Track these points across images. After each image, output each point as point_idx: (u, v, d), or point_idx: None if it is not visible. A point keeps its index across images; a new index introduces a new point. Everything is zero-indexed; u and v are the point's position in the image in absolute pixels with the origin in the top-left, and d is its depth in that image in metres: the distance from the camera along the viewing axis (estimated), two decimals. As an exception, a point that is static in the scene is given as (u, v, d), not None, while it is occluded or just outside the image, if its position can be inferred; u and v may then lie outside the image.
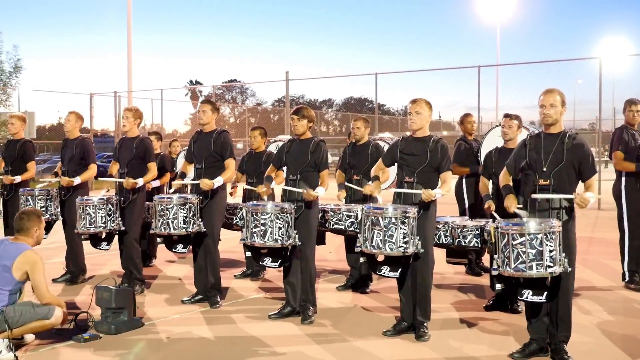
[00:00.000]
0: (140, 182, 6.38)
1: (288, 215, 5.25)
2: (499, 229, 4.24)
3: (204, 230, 5.87)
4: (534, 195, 4.32)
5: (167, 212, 5.78)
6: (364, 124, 6.62)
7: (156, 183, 7.53)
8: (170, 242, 6.00)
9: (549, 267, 4.10)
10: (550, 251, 4.10)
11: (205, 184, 5.72)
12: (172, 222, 5.77)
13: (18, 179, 7.17)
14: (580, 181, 4.41)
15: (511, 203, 4.48)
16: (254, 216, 5.23)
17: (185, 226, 5.79)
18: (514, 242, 4.13)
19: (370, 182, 5.30)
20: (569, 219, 4.35)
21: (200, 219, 5.86)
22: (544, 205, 4.34)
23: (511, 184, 4.66)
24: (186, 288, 6.67)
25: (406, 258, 4.79)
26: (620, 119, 7.06)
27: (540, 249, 4.09)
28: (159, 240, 6.14)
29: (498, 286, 4.37)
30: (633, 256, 6.50)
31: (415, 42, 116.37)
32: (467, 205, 7.16)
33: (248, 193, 7.19)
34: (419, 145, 4.97)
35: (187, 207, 5.79)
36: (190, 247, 6.09)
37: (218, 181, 5.79)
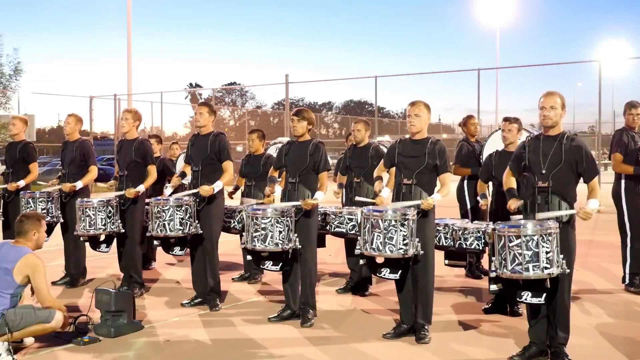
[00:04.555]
0: (141, 189, 6.37)
1: (288, 218, 5.24)
2: (496, 231, 4.25)
3: (201, 232, 5.86)
4: (538, 216, 4.28)
5: (164, 214, 5.78)
6: (365, 127, 6.62)
7: (168, 190, 7.49)
8: (168, 244, 6.00)
9: (546, 268, 4.09)
10: (547, 252, 4.10)
11: (205, 190, 5.71)
12: (169, 224, 5.77)
13: (22, 183, 7.16)
14: (583, 182, 4.41)
15: (512, 203, 4.48)
16: (254, 220, 5.23)
17: (181, 228, 5.78)
18: (510, 244, 4.14)
19: (379, 191, 5.32)
20: (569, 221, 4.34)
21: (197, 221, 5.86)
22: (544, 208, 4.34)
23: (515, 186, 4.65)
24: (185, 291, 6.66)
25: (406, 260, 4.78)
26: (620, 122, 7.07)
27: (537, 250, 4.08)
28: (155, 242, 6.13)
29: (493, 287, 4.37)
30: (635, 259, 6.48)
31: (415, 45, 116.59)
32: (469, 207, 7.14)
33: (247, 195, 7.18)
34: (417, 147, 4.97)
35: (183, 208, 5.79)
36: (188, 249, 6.08)
37: (217, 186, 5.78)
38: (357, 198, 6.16)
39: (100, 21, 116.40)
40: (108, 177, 7.20)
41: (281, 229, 5.20)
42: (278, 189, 5.82)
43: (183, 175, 6.23)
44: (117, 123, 21.84)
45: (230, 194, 7.40)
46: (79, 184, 6.78)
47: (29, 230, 4.78)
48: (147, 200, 6.44)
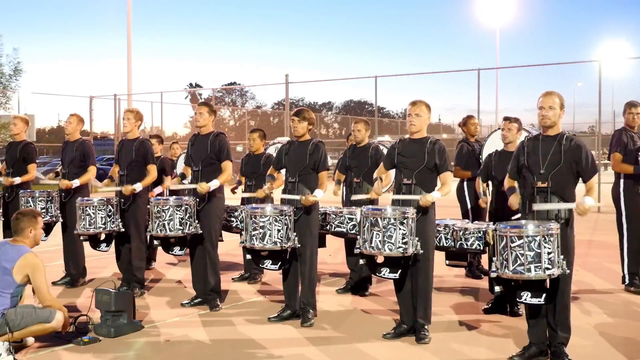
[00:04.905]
0: (138, 187, 6.37)
1: (287, 217, 5.25)
2: (498, 232, 4.25)
3: (201, 232, 5.87)
4: (535, 207, 4.29)
5: (163, 213, 5.78)
6: (365, 127, 6.63)
7: (158, 189, 7.52)
8: (168, 244, 6.00)
9: (548, 269, 4.10)
10: (549, 253, 4.10)
11: (202, 187, 5.72)
12: (168, 224, 5.77)
13: (18, 180, 7.17)
14: (581, 182, 4.42)
15: (514, 200, 4.48)
16: (253, 219, 5.23)
17: (181, 228, 5.79)
18: (512, 245, 4.14)
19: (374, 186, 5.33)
20: (568, 221, 4.34)
21: (197, 221, 5.86)
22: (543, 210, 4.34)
23: (516, 185, 4.65)
24: (186, 291, 6.66)
25: (405, 259, 4.78)
26: (620, 122, 7.05)
27: (539, 251, 4.09)
28: (156, 242, 6.14)
29: (497, 289, 4.37)
30: (633, 259, 6.49)
31: (414, 45, 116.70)
32: (469, 207, 7.13)
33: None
34: (416, 146, 4.97)
35: (183, 208, 5.79)
36: (188, 249, 6.08)
37: (214, 184, 5.79)
38: (353, 197, 6.18)
39: (100, 21, 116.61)
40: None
41: (280, 228, 5.21)
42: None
43: (183, 176, 6.24)
44: (117, 123, 21.85)
45: (233, 189, 7.44)
46: (76, 182, 6.79)
47: (25, 228, 4.78)
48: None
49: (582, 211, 4.23)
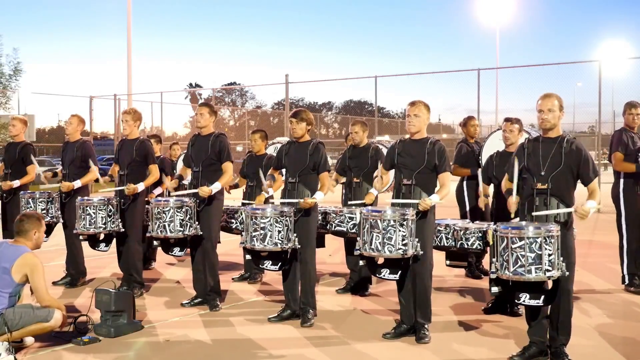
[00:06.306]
0: (141, 187, 6.38)
1: (287, 218, 5.25)
2: (498, 232, 4.24)
3: (201, 233, 5.87)
4: (535, 214, 4.30)
5: (164, 215, 5.78)
6: (362, 128, 6.61)
7: (158, 190, 7.52)
8: (167, 245, 6.00)
9: (548, 271, 4.10)
10: (549, 255, 4.10)
11: (204, 191, 5.72)
12: (169, 225, 5.77)
13: (17, 183, 7.16)
14: (582, 184, 4.41)
15: (512, 203, 4.49)
16: (254, 220, 5.23)
17: (181, 229, 5.79)
18: (513, 246, 4.13)
19: (372, 190, 5.35)
20: (567, 222, 4.34)
21: (197, 222, 5.86)
22: (542, 210, 4.33)
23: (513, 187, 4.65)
24: (186, 291, 6.66)
25: (405, 260, 4.78)
26: (620, 122, 7.06)
27: (540, 252, 4.08)
28: (155, 243, 6.13)
29: (494, 289, 4.36)
30: (632, 259, 6.50)
31: (414, 45, 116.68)
32: (468, 208, 7.14)
33: (248, 196, 7.19)
34: (416, 147, 4.97)
35: (183, 210, 5.79)
36: (188, 249, 6.09)
37: (216, 187, 5.79)
38: (349, 203, 6.22)
39: (100, 21, 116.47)
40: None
41: (280, 229, 5.20)
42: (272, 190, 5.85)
43: (180, 178, 6.23)
44: (117, 123, 21.84)
45: (229, 189, 7.45)
46: (78, 183, 6.79)
47: (29, 230, 4.78)
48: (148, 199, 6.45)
49: (582, 214, 4.23)
